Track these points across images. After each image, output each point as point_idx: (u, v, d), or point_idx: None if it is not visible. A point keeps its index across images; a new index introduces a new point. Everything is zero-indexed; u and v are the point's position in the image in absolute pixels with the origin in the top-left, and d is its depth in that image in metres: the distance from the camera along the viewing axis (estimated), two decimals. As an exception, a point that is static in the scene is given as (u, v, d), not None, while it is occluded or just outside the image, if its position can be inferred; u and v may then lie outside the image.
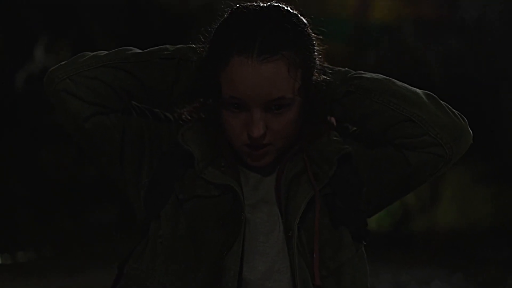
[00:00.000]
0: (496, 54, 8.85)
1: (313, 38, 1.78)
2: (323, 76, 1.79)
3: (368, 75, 1.80)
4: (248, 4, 1.78)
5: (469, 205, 9.01)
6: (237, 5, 1.79)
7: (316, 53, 1.78)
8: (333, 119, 1.85)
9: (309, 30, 1.78)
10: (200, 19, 8.04)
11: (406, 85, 1.81)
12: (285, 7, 1.78)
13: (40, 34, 8.33)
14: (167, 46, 1.82)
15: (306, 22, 1.78)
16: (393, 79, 1.81)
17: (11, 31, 8.18)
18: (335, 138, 1.82)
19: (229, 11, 1.78)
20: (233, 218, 1.74)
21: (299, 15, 1.78)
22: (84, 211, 8.39)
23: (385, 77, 1.81)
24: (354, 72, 1.82)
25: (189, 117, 1.85)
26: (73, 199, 8.29)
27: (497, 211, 8.91)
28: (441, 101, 1.80)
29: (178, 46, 1.82)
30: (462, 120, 1.79)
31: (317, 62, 1.78)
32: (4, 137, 8.21)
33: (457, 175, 8.59)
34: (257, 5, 1.78)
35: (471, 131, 1.80)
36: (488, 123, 8.36)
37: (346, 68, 1.84)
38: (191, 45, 1.82)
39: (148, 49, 1.82)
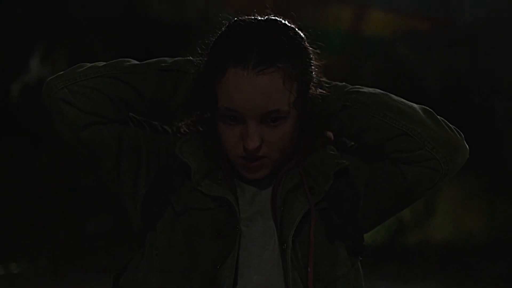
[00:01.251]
0: (490, 68, 8.87)
1: (310, 52, 1.78)
2: (320, 90, 1.79)
3: (365, 89, 1.81)
4: (246, 17, 1.79)
5: (464, 218, 9.00)
6: (235, 18, 1.79)
7: (313, 67, 1.78)
8: (330, 134, 1.85)
9: (306, 44, 1.78)
10: (197, 30, 8.06)
11: (403, 99, 1.81)
12: (283, 21, 1.78)
13: (37, 43, 8.33)
14: (166, 58, 1.83)
15: (303, 35, 1.78)
16: (390, 94, 1.81)
17: (8, 40, 8.19)
18: (332, 152, 1.83)
19: (227, 24, 1.79)
20: (229, 230, 1.75)
21: (296, 29, 1.78)
22: (81, 220, 8.36)
23: (382, 91, 1.81)
24: (351, 86, 1.82)
25: (187, 130, 1.85)
26: (69, 208, 8.26)
27: (492, 224, 8.91)
28: (438, 116, 1.80)
29: (176, 58, 1.83)
30: (458, 135, 1.79)
31: (314, 75, 1.79)
32: (0, 145, 8.20)
33: (452, 188, 8.59)
34: (254, 18, 1.78)
35: (467, 146, 1.80)
36: (483, 136, 8.37)
37: (344, 83, 1.84)
38: (189, 58, 1.83)
39: (147, 61, 1.82)
